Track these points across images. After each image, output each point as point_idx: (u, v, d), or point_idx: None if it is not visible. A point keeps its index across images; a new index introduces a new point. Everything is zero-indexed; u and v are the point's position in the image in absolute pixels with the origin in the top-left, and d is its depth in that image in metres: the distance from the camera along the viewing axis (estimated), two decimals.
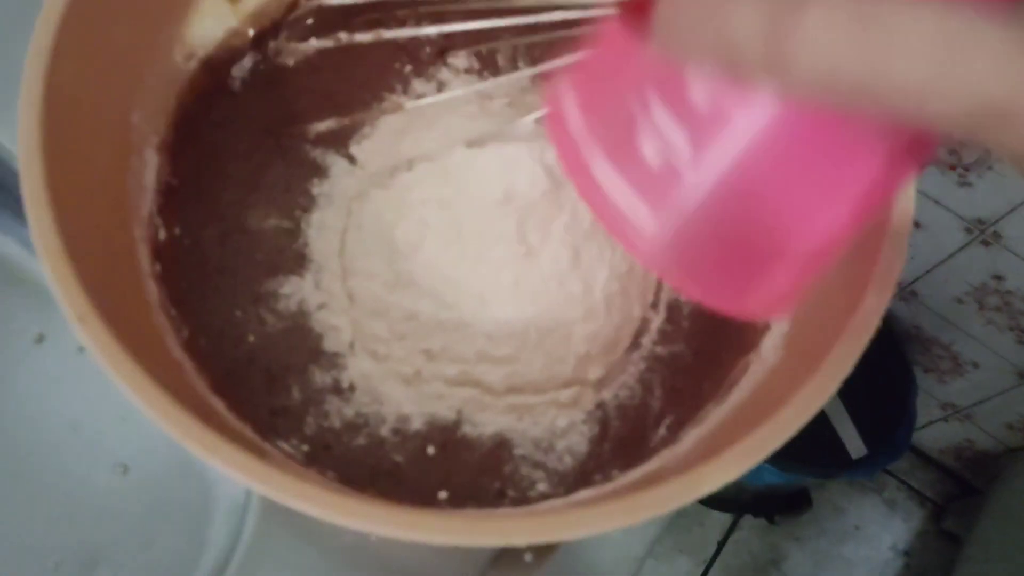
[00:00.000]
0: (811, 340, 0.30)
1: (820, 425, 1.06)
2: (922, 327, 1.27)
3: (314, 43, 0.39)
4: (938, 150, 1.00)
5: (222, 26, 0.38)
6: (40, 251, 0.27)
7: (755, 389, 0.32)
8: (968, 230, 1.07)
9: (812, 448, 1.04)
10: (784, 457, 1.02)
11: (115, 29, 0.33)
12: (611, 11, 0.35)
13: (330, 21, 0.40)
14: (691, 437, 0.34)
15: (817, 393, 0.27)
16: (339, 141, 0.40)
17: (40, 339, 0.53)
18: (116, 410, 0.52)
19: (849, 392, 0.99)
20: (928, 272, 1.18)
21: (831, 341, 0.28)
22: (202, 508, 0.49)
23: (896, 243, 0.28)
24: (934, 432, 1.35)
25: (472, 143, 0.37)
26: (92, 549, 0.48)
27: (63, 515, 0.48)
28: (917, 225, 1.12)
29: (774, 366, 0.33)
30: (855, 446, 1.10)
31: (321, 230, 0.38)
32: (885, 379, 1.14)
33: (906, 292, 1.23)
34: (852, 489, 1.35)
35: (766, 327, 0.35)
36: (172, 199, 0.36)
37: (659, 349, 0.39)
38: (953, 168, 1.02)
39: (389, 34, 0.37)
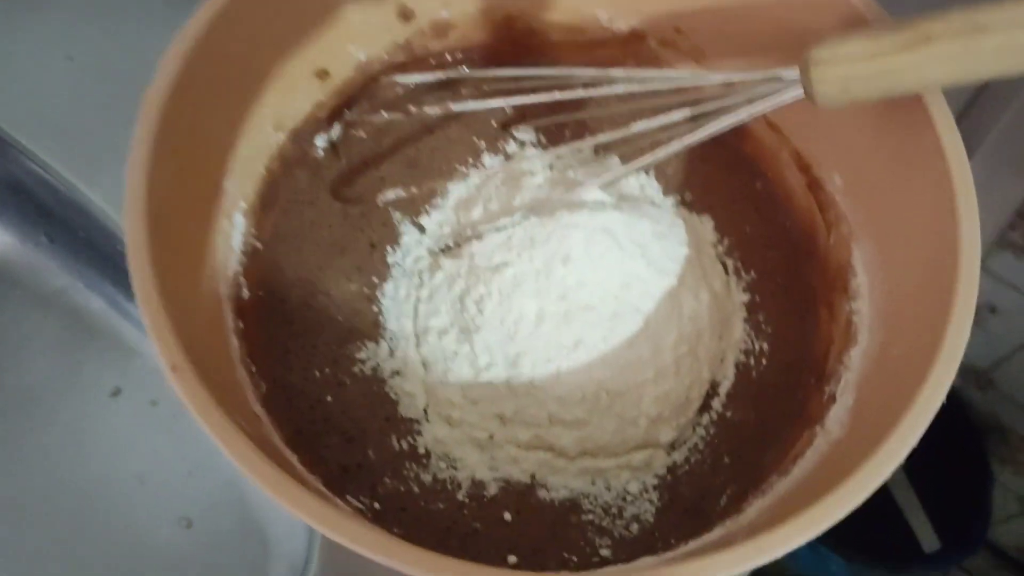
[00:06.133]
0: (876, 414, 0.30)
1: (892, 516, 1.03)
2: (999, 417, 1.22)
3: (385, 116, 0.41)
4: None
5: (310, 100, 0.40)
6: (140, 302, 0.28)
7: (819, 463, 0.32)
8: None
9: (883, 540, 1.00)
10: (853, 549, 0.99)
11: (215, 102, 0.35)
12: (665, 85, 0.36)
13: (402, 97, 0.42)
14: (755, 508, 0.34)
15: (879, 469, 0.26)
16: (412, 210, 0.41)
17: (116, 392, 0.55)
18: (184, 465, 0.54)
19: (923, 483, 0.95)
20: (1006, 359, 1.14)
21: (896, 416, 0.27)
22: (262, 565, 0.50)
23: (961, 319, 0.28)
24: (1012, 528, 1.28)
25: (536, 210, 0.39)
26: None
27: (126, 566, 0.49)
28: (993, 311, 1.09)
29: (838, 439, 0.32)
30: (928, 540, 1.06)
31: (395, 299, 0.39)
32: (960, 470, 1.10)
33: (983, 380, 1.20)
34: None
35: (832, 399, 0.35)
36: (256, 261, 0.38)
37: (728, 413, 0.39)
38: None
39: (456, 107, 0.39)
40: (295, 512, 0.26)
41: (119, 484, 0.53)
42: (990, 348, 1.13)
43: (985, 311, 1.09)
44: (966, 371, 1.19)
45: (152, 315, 0.28)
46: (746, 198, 0.42)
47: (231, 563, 0.51)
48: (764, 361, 0.39)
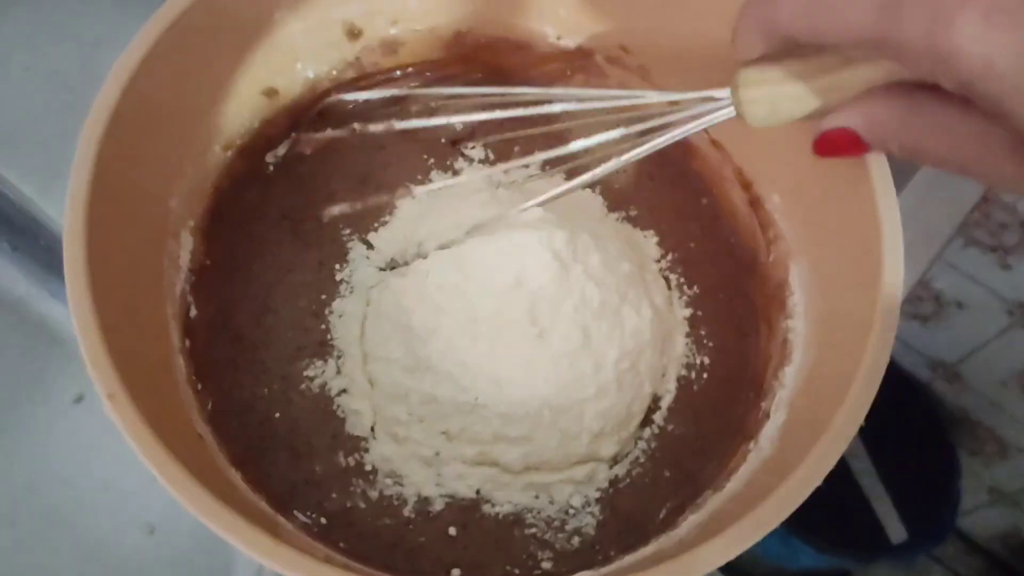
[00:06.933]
0: (802, 434, 0.31)
1: (860, 507, 1.04)
2: (967, 409, 1.24)
3: (329, 133, 0.41)
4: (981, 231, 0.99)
5: (258, 118, 0.41)
6: (77, 328, 0.29)
7: (750, 479, 0.33)
8: (1010, 312, 1.06)
9: (851, 531, 1.02)
10: (822, 539, 1.00)
11: (160, 121, 0.35)
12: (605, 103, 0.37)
13: (352, 112, 0.43)
14: (689, 523, 0.34)
15: (801, 485, 0.27)
16: (361, 227, 0.42)
17: (79, 399, 0.56)
18: (147, 471, 0.54)
19: (891, 474, 0.96)
20: (972, 354, 1.16)
21: (818, 434, 0.28)
22: (224, 571, 0.51)
23: (882, 338, 0.29)
24: (980, 517, 1.31)
25: (480, 228, 0.39)
26: None
27: (89, 573, 0.50)
28: (960, 306, 1.11)
29: (769, 457, 0.33)
30: (895, 530, 1.07)
31: (343, 317, 0.40)
32: (928, 461, 1.12)
33: (950, 373, 1.21)
34: (897, 574, 1.30)
35: (766, 416, 0.36)
36: (204, 278, 0.39)
37: (670, 427, 0.40)
38: (995, 250, 1.02)
39: (400, 125, 0.39)
40: (230, 540, 0.27)
41: (82, 491, 0.53)
42: (958, 343, 1.15)
43: (952, 307, 1.11)
44: (934, 364, 1.20)
45: (90, 344, 0.29)
46: (691, 214, 0.43)
47: (193, 569, 0.51)
48: (705, 375, 0.40)
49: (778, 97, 0.32)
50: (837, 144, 0.29)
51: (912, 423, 1.11)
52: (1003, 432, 1.21)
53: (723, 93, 0.34)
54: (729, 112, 0.34)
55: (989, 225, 0.98)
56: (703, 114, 0.35)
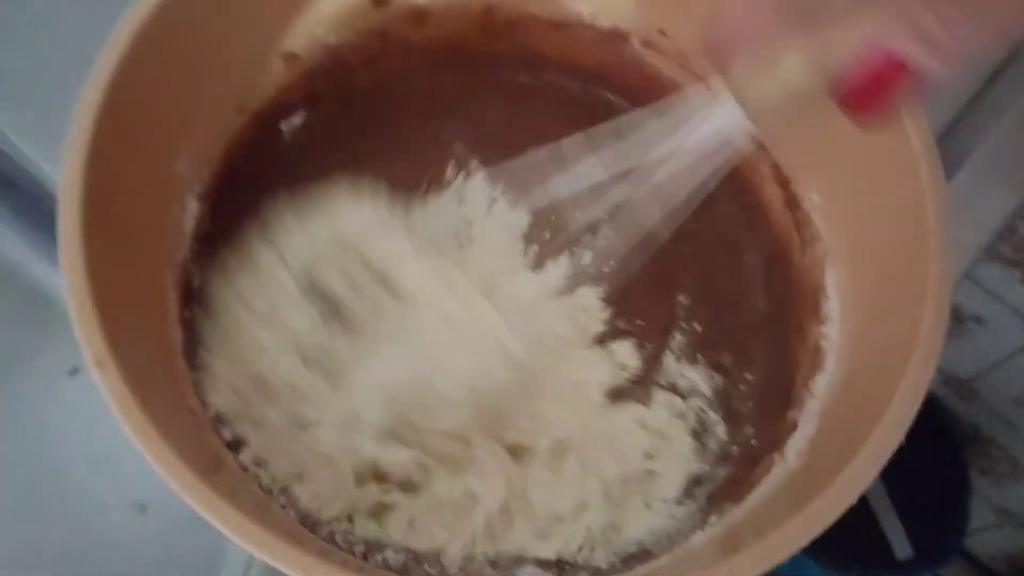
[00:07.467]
0: (834, 449, 0.29)
1: (866, 522, 1.02)
2: (980, 427, 1.22)
3: None
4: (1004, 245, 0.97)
5: (275, 83, 0.39)
6: (67, 290, 0.27)
7: (773, 493, 0.31)
8: None
9: (856, 546, 1.00)
10: (825, 553, 0.99)
11: (169, 78, 0.34)
12: None
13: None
14: (703, 535, 0.32)
15: (832, 506, 0.25)
16: None
17: (74, 371, 0.54)
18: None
19: (899, 490, 0.94)
20: (989, 370, 1.14)
21: (853, 451, 0.26)
22: (215, 554, 0.49)
23: (928, 351, 0.27)
24: (988, 538, 1.29)
25: None
26: None
27: (77, 550, 0.48)
28: (979, 321, 1.09)
29: (795, 471, 0.31)
30: (901, 547, 1.05)
31: None
32: (938, 478, 1.10)
33: (966, 390, 1.19)
34: None
35: (794, 426, 0.34)
36: (208, 247, 0.37)
37: None
38: (1018, 266, 1.00)
39: None
40: (212, 521, 0.25)
41: (73, 465, 0.52)
42: (974, 358, 1.12)
43: (971, 322, 1.08)
44: (950, 380, 1.18)
45: (79, 307, 0.27)
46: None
47: (184, 550, 0.50)
48: (741, 387, 0.38)
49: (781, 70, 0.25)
50: (878, 80, 0.23)
51: (923, 439, 1.08)
52: (1016, 452, 1.19)
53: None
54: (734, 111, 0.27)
55: (1014, 240, 0.96)
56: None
